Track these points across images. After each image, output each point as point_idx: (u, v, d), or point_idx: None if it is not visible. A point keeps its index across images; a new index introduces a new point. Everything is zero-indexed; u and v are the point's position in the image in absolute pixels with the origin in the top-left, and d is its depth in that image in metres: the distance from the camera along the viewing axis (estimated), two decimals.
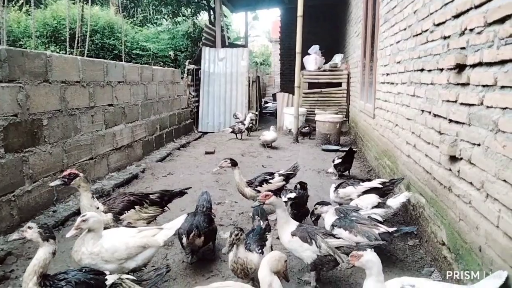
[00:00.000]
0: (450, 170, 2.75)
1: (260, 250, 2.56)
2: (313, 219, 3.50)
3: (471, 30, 2.42)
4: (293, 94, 9.11)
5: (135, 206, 3.17)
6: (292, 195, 3.68)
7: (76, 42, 9.68)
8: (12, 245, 3.21)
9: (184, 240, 2.84)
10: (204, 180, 5.55)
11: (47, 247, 2.11)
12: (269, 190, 3.61)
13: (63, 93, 4.43)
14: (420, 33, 3.58)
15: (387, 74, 5.09)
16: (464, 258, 2.47)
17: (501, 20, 2.04)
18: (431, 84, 3.21)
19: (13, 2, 12.71)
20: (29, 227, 2.13)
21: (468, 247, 2.40)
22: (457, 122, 2.64)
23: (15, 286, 2.77)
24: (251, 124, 9.55)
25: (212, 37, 11.74)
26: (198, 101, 10.59)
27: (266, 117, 13.66)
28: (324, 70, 10.54)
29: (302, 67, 10.23)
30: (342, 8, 12.19)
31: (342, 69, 10.39)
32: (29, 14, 11.94)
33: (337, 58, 10.73)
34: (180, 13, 16.69)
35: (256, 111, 11.15)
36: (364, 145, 7.18)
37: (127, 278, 2.23)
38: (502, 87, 2.03)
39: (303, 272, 2.99)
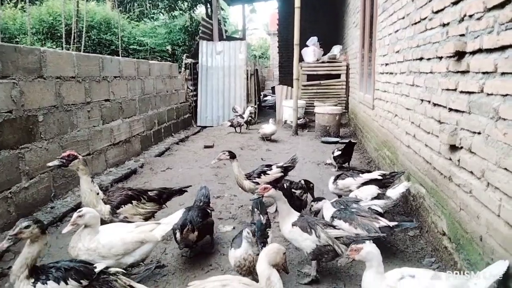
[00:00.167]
0: (450, 159, 2.71)
1: (263, 247, 2.53)
2: (312, 216, 3.47)
3: (471, 16, 2.37)
4: (292, 87, 9.05)
5: (133, 201, 3.14)
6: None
7: (72, 38, 9.60)
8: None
9: (178, 235, 2.80)
10: (203, 174, 5.53)
11: (43, 240, 2.10)
12: (268, 183, 3.61)
13: (58, 89, 4.38)
14: (419, 21, 3.52)
15: (386, 64, 5.03)
16: (465, 248, 2.44)
17: (501, 5, 1.99)
18: (431, 73, 3.17)
19: None
20: (26, 227, 2.07)
21: (469, 237, 2.38)
22: (457, 110, 2.60)
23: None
24: (250, 118, 9.50)
25: (209, 31, 11.65)
26: (196, 95, 10.53)
27: (265, 111, 13.60)
28: (323, 62, 10.46)
29: (301, 59, 10.17)
30: None
31: (341, 61, 10.32)
32: (24, 11, 11.83)
33: (336, 50, 10.65)
34: (176, 7, 16.53)
35: (255, 104, 11.10)
36: (364, 136, 7.14)
37: (117, 271, 2.22)
38: (503, 73, 1.99)
39: (303, 264, 2.98)
